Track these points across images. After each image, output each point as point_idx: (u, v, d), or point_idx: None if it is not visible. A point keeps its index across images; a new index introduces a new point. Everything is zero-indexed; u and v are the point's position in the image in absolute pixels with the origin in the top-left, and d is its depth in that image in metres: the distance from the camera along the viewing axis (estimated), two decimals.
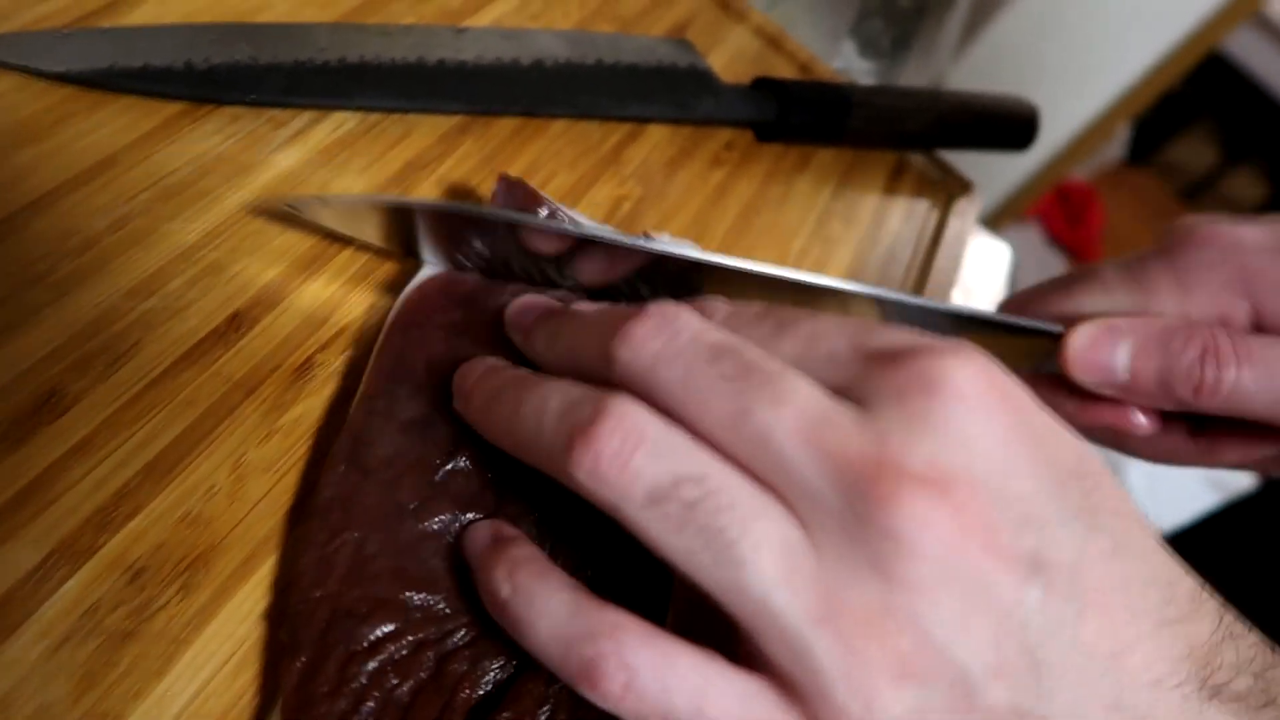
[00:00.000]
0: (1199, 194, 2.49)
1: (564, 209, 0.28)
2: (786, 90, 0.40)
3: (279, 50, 0.31)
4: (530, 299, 0.26)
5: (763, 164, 0.40)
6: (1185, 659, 0.19)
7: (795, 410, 0.18)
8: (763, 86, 0.41)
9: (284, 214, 0.28)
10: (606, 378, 0.20)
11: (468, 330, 0.26)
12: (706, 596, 0.18)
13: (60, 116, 0.27)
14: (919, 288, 0.41)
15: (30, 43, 0.27)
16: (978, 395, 0.18)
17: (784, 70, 0.46)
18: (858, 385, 0.19)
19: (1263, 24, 2.24)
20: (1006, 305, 0.33)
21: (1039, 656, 0.18)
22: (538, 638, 0.19)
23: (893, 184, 0.45)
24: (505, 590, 0.20)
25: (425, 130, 0.33)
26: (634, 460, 0.18)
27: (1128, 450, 0.31)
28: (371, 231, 0.28)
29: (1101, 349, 0.27)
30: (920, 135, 0.44)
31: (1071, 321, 0.28)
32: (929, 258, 0.43)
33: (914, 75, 0.57)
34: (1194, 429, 0.30)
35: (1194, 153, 2.50)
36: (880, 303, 0.28)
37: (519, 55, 0.36)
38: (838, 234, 0.40)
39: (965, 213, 0.45)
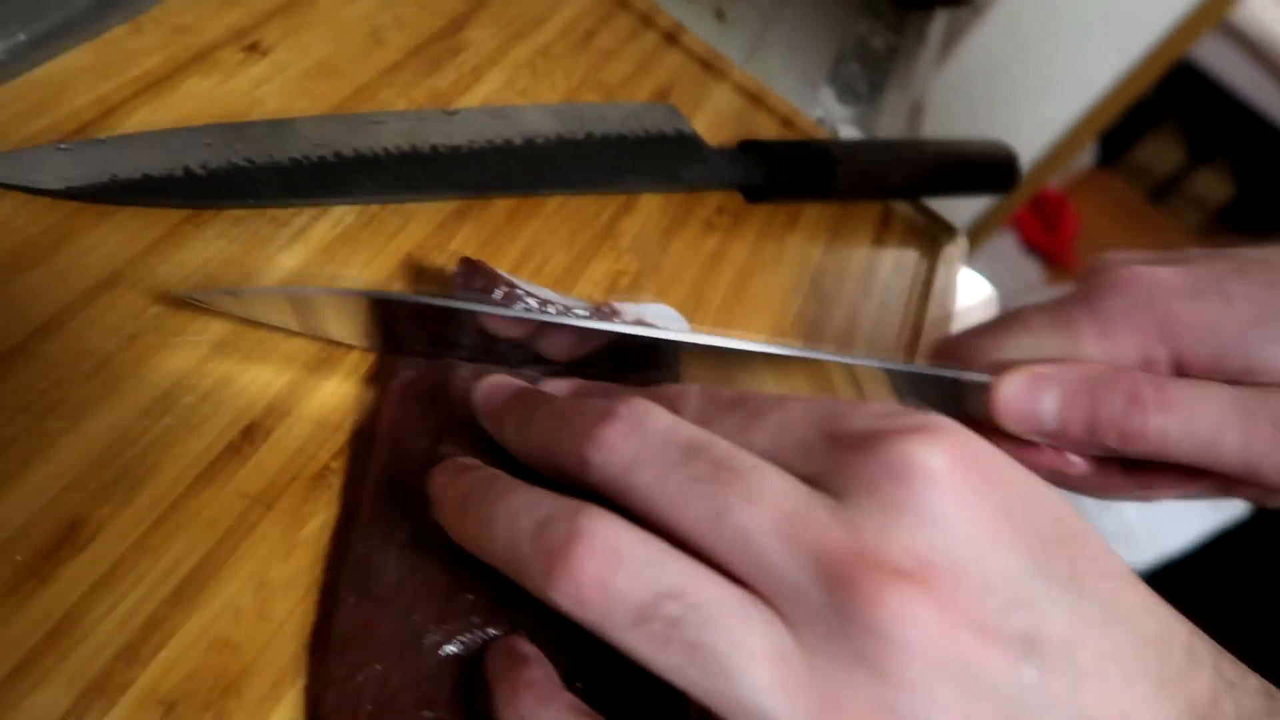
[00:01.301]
0: (1167, 194, 2.52)
1: (527, 286, 0.29)
2: (772, 151, 0.40)
3: (274, 149, 0.31)
4: (495, 381, 0.25)
5: (754, 225, 0.41)
6: (1186, 716, 0.19)
7: (769, 506, 0.18)
8: (749, 149, 0.41)
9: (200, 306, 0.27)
10: (580, 477, 0.20)
11: (450, 429, 0.26)
12: (706, 709, 0.18)
13: (64, 234, 0.27)
14: (914, 339, 0.42)
15: (28, 160, 0.27)
16: (950, 477, 0.18)
17: (767, 126, 0.47)
18: (830, 475, 0.19)
19: (1227, 31, 2.29)
20: (938, 348, 0.33)
21: None
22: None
23: (881, 234, 0.45)
24: (510, 717, 0.20)
25: (423, 219, 0.33)
26: (614, 583, 0.18)
27: (1067, 488, 0.31)
28: (327, 326, 0.27)
29: (1029, 398, 0.28)
30: (904, 186, 0.45)
31: (1000, 369, 0.29)
32: (921, 307, 0.43)
33: (892, 115, 0.58)
34: (1126, 466, 0.30)
35: (1160, 154, 2.53)
36: (822, 363, 0.29)
37: (510, 135, 0.36)
38: (832, 291, 0.41)
39: (952, 259, 0.46)
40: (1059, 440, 0.28)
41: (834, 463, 0.19)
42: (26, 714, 0.20)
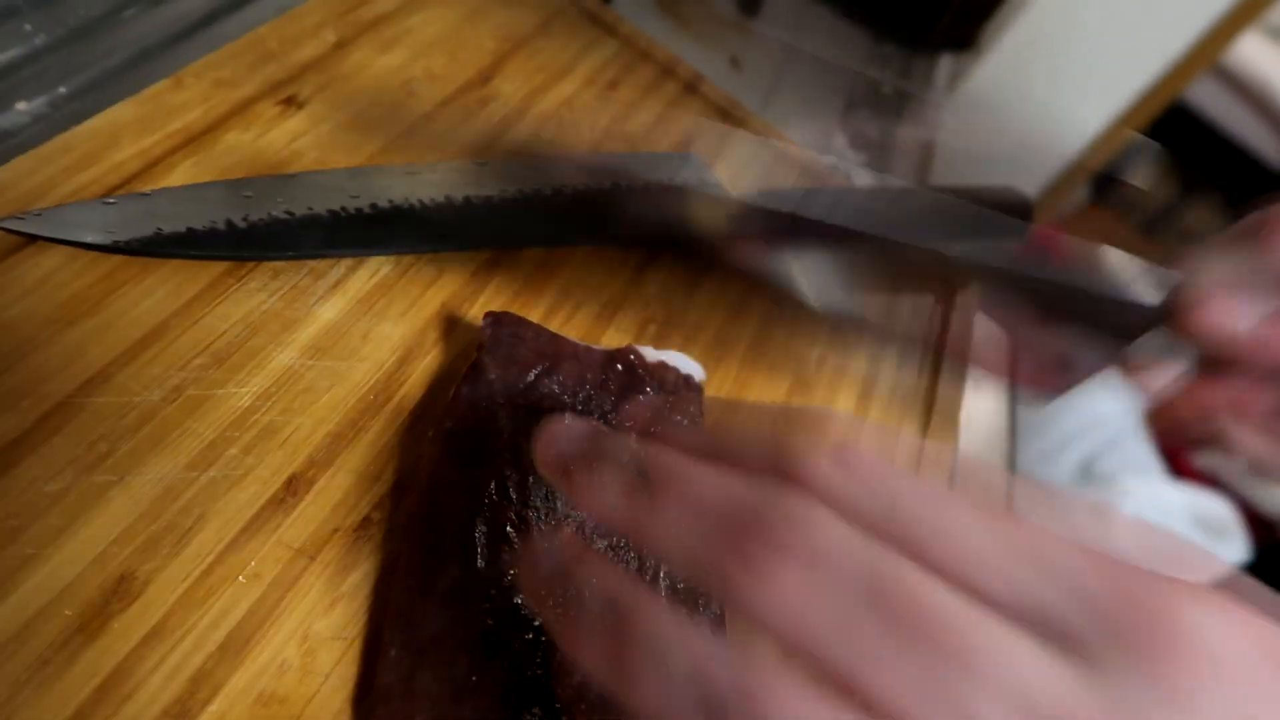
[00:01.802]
0: (1158, 227, 2.55)
1: (556, 337, 0.30)
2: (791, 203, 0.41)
3: (313, 201, 0.31)
4: (560, 431, 0.20)
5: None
6: None
7: (1004, 690, 0.14)
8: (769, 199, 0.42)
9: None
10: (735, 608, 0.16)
11: (486, 479, 0.26)
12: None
13: (109, 288, 0.27)
14: (933, 383, 0.42)
15: (74, 215, 0.28)
16: (1245, 662, 0.14)
17: (784, 174, 0.47)
18: (1080, 635, 0.15)
19: (1217, 71, 2.33)
20: None
21: None
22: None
23: (897, 280, 0.46)
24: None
25: (457, 268, 0.33)
26: None
27: (1233, 448, 0.31)
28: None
29: (1225, 304, 0.28)
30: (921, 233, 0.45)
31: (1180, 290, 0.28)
32: (939, 352, 0.44)
33: (903, 159, 0.59)
34: None
35: (1151, 188, 2.56)
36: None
37: (540, 185, 0.37)
38: (852, 337, 0.41)
39: (967, 305, 0.47)
40: (1253, 349, 0.28)
41: (1091, 620, 0.15)
42: None
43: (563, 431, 0.20)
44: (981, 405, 0.46)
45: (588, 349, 0.30)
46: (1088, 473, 1.39)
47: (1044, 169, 1.31)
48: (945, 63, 0.75)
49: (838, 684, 0.15)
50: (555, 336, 0.30)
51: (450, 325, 0.32)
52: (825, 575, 0.15)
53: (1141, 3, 1.14)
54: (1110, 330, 0.31)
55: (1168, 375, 0.32)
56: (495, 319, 0.30)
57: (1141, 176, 2.55)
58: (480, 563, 0.24)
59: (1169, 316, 0.29)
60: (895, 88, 0.66)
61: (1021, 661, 0.14)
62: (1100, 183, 2.44)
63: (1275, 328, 0.27)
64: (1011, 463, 0.45)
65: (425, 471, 0.27)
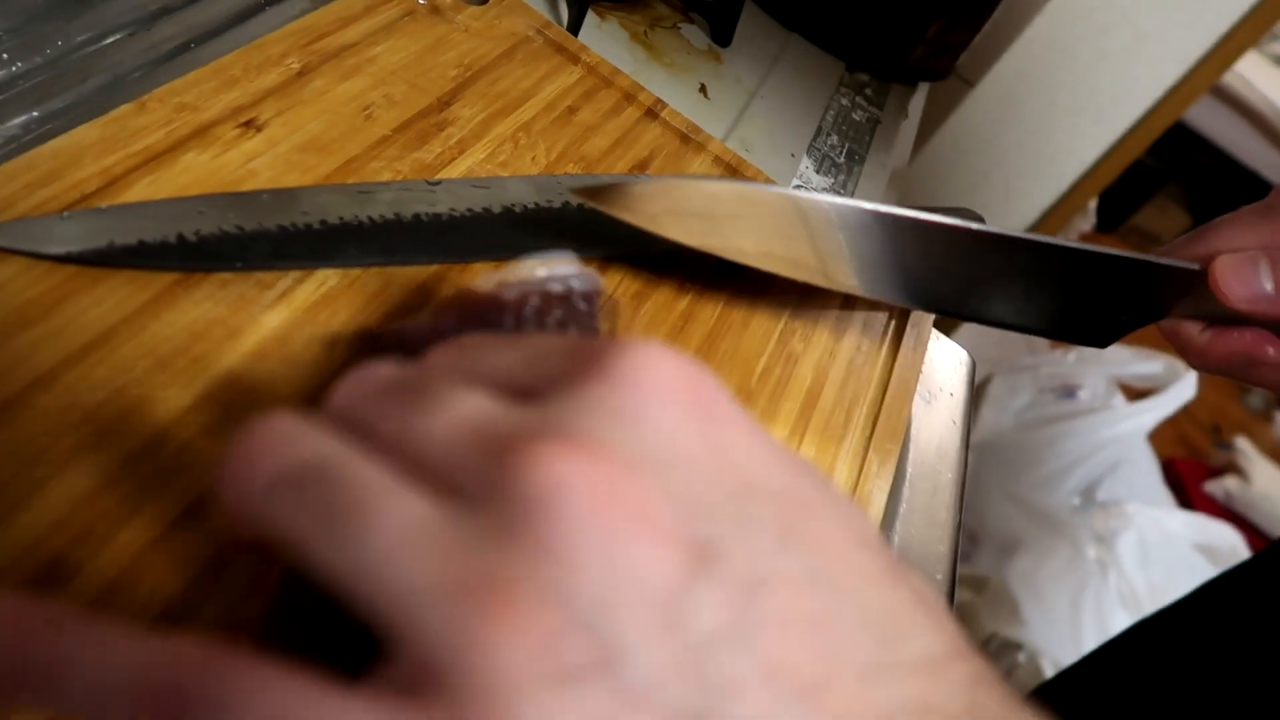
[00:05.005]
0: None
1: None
2: None
3: (264, 217, 0.33)
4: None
5: (726, 289, 0.43)
6: (906, 714, 0.16)
7: (459, 409, 0.18)
8: None
9: None
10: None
11: None
12: (339, 595, 0.16)
13: (62, 296, 0.29)
14: (879, 397, 0.43)
15: (33, 227, 0.30)
16: (662, 384, 0.18)
17: None
18: (543, 384, 0.18)
19: (1220, 94, 2.33)
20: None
21: (711, 670, 0.15)
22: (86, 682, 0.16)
23: (850, 299, 0.47)
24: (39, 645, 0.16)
25: (404, 280, 0.35)
26: (272, 449, 0.17)
27: (1258, 378, 0.37)
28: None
29: (1246, 271, 0.33)
30: None
31: (1209, 260, 0.34)
32: (889, 365, 0.45)
33: (869, 183, 0.60)
34: None
35: (1163, 218, 2.56)
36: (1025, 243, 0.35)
37: (490, 203, 0.38)
38: (798, 350, 0.43)
39: (921, 322, 0.48)
40: (1276, 306, 0.33)
41: (552, 372, 0.19)
42: None
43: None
44: (934, 419, 0.47)
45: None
46: (1090, 498, 1.39)
47: (1039, 196, 1.33)
48: (922, 90, 0.77)
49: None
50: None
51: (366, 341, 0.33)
52: (369, 380, 0.19)
53: (1133, 33, 1.16)
54: (1155, 293, 0.37)
55: (1200, 328, 0.37)
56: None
57: (1153, 205, 2.55)
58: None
59: (1204, 279, 0.34)
60: (869, 115, 0.68)
61: (480, 400, 0.18)
62: (1108, 214, 2.44)
63: None
64: (963, 478, 0.45)
65: None
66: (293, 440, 0.17)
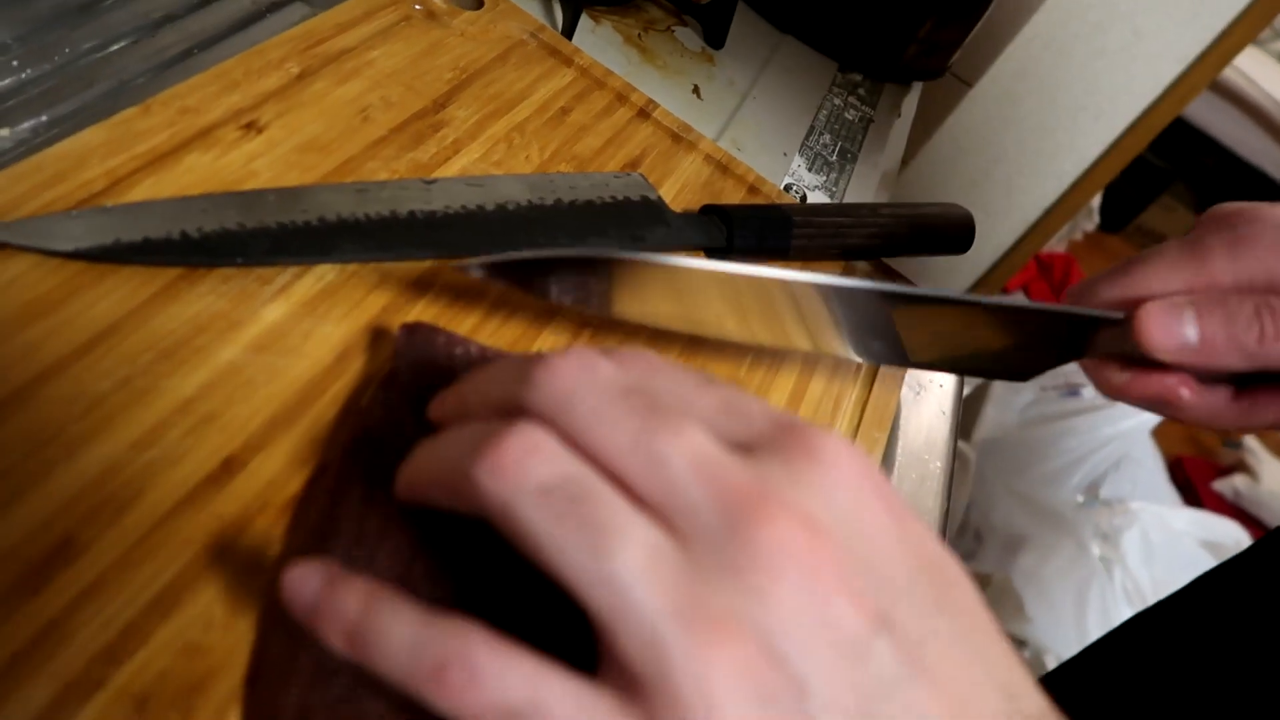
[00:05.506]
0: None
1: (467, 341, 0.32)
2: (731, 216, 0.44)
3: (264, 214, 0.34)
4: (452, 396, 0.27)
5: None
6: None
7: (691, 443, 0.20)
8: (710, 213, 0.44)
9: None
10: (520, 400, 0.22)
11: (381, 484, 0.28)
12: (573, 593, 0.20)
13: (70, 291, 0.30)
14: (867, 387, 0.44)
15: (43, 225, 0.31)
16: (855, 473, 0.21)
17: (733, 192, 0.50)
18: (753, 443, 0.21)
19: (1226, 93, 2.33)
20: (1070, 294, 0.37)
21: (876, 709, 0.19)
22: (388, 650, 0.20)
23: None
24: (354, 612, 0.21)
25: (399, 276, 0.36)
26: (530, 461, 0.20)
27: (1175, 415, 0.36)
28: None
29: (1171, 322, 0.32)
30: (862, 247, 0.48)
31: (1132, 305, 0.33)
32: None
33: (860, 183, 0.61)
34: (1236, 393, 0.35)
35: (1169, 218, 2.56)
36: (954, 302, 0.35)
37: (484, 201, 0.39)
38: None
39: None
40: (1203, 358, 0.32)
41: (760, 435, 0.22)
42: (12, 706, 0.23)
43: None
44: (923, 410, 0.48)
45: (497, 353, 0.32)
46: (1094, 495, 1.39)
47: (1039, 195, 1.33)
48: (916, 89, 0.78)
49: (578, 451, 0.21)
50: (466, 342, 0.32)
51: (388, 329, 0.34)
52: (596, 374, 0.22)
53: (1130, 31, 1.16)
54: (1080, 339, 0.36)
55: (1119, 368, 0.36)
56: (409, 330, 0.32)
57: (1159, 204, 2.55)
58: (361, 554, 0.26)
59: (1128, 326, 0.33)
60: (861, 115, 0.69)
61: (708, 439, 0.21)
62: (1111, 213, 2.44)
63: (1210, 325, 0.32)
64: (951, 468, 0.46)
65: (332, 474, 0.29)
66: (550, 453, 0.20)
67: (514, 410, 0.22)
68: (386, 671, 0.20)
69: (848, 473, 0.21)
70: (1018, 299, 0.36)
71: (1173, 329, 0.32)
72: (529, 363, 0.22)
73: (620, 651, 0.19)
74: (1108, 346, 0.35)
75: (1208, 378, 0.34)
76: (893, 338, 0.37)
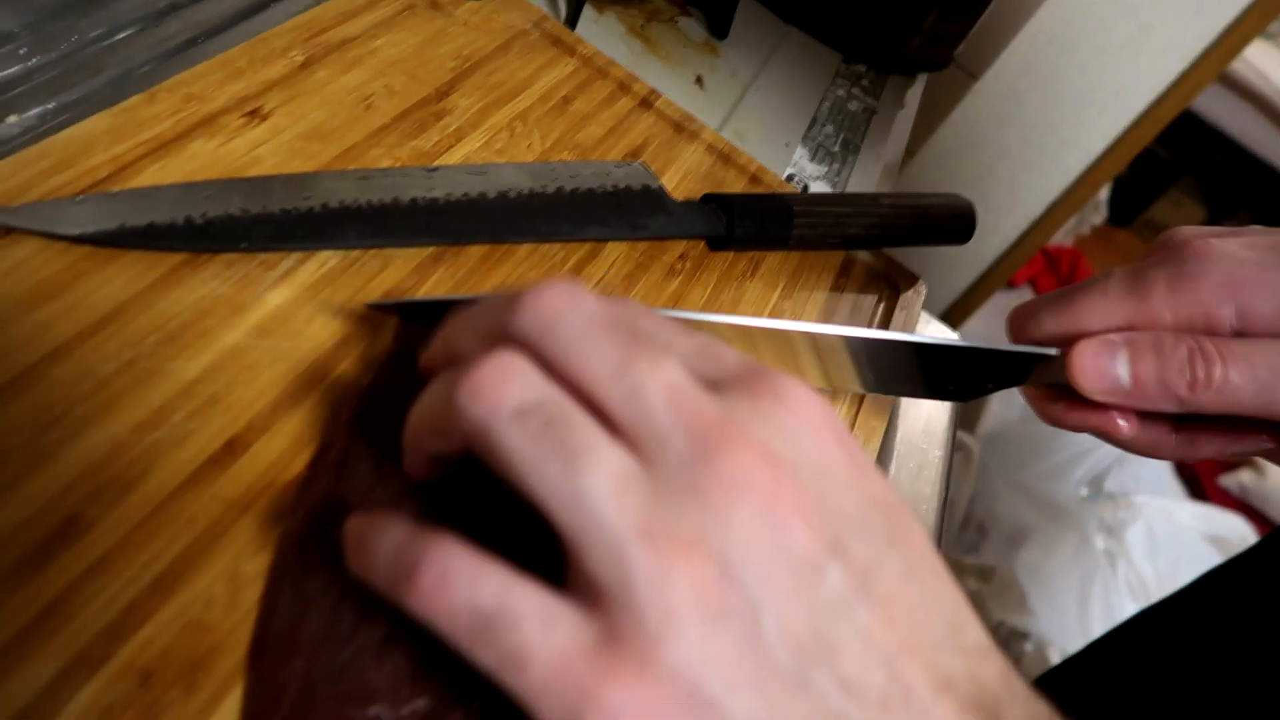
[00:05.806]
0: None
1: None
2: (732, 204, 0.44)
3: (267, 201, 0.35)
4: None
5: (714, 272, 0.44)
6: (960, 684, 0.21)
7: (667, 375, 0.21)
8: (711, 201, 0.45)
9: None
10: (506, 326, 0.23)
11: (387, 456, 0.29)
12: (544, 511, 0.21)
13: (76, 274, 0.31)
14: None
15: (49, 210, 0.31)
16: (818, 417, 0.22)
17: (735, 182, 0.50)
18: (724, 383, 0.22)
19: (1234, 86, 2.32)
20: (1012, 318, 0.37)
21: (826, 630, 0.20)
22: (376, 558, 0.22)
23: (840, 281, 0.48)
24: (359, 534, 0.23)
25: (401, 262, 0.36)
26: (508, 384, 0.21)
27: (1114, 444, 0.35)
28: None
29: (1104, 363, 0.32)
30: (863, 237, 0.48)
31: (1070, 339, 0.33)
32: None
33: (863, 174, 0.61)
34: (1176, 426, 0.34)
35: (1178, 212, 2.55)
36: (876, 343, 0.35)
37: (486, 189, 0.40)
38: None
39: (911, 304, 0.49)
40: (1135, 399, 0.32)
41: (731, 376, 0.23)
42: (18, 680, 0.23)
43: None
44: (922, 400, 0.48)
45: None
46: (1098, 488, 1.39)
47: (1045, 188, 1.33)
48: (920, 81, 0.78)
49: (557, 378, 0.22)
50: None
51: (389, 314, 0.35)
52: (579, 304, 0.22)
53: (1135, 25, 1.16)
54: (1018, 372, 0.36)
55: (1056, 397, 0.36)
56: (412, 307, 0.33)
57: (1167, 199, 2.54)
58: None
59: (1062, 363, 0.33)
60: (864, 105, 0.69)
61: (684, 374, 0.22)
62: (1120, 207, 2.44)
63: (1142, 368, 0.31)
64: (950, 457, 0.46)
65: (338, 448, 0.29)
66: (527, 377, 0.21)
67: (499, 339, 0.23)
68: (373, 581, 0.22)
69: (811, 416, 0.22)
70: (953, 338, 0.36)
71: (1105, 370, 0.32)
72: (514, 293, 0.23)
73: (586, 565, 0.20)
74: (1047, 377, 0.34)
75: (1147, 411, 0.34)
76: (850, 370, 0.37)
